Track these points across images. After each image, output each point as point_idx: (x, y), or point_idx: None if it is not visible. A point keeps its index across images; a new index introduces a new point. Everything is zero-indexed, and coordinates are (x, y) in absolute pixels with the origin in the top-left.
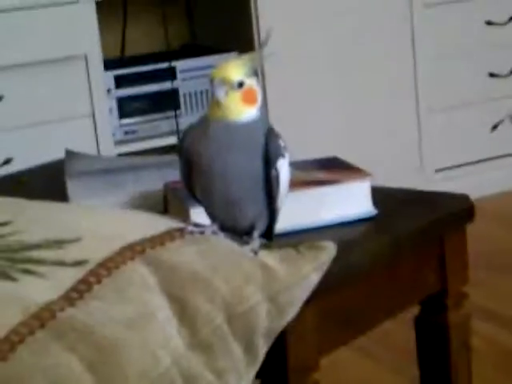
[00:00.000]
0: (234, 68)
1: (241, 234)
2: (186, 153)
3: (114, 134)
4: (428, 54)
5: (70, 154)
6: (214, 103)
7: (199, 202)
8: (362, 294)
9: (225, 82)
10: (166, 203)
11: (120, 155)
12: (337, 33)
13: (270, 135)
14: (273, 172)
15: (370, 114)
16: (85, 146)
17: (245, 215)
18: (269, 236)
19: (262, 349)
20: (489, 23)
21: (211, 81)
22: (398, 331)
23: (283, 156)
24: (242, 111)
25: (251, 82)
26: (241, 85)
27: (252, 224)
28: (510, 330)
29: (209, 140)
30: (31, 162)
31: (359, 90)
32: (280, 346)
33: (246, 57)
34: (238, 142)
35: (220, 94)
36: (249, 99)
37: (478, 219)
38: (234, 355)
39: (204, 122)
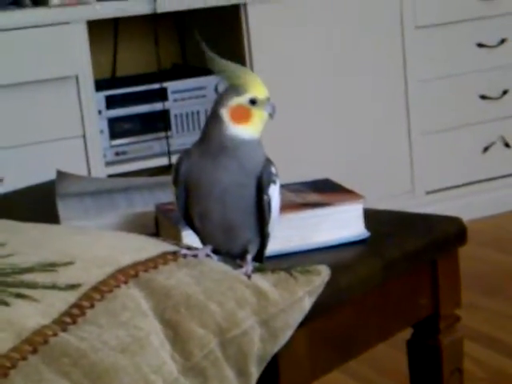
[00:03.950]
0: (263, 85)
1: (234, 256)
2: (184, 178)
3: (104, 155)
4: (419, 76)
5: (61, 174)
6: (258, 121)
7: (195, 230)
8: (354, 318)
9: (267, 100)
10: (157, 225)
11: (111, 176)
12: (328, 55)
13: (267, 161)
14: (265, 198)
15: (362, 135)
16: (75, 166)
17: (239, 240)
18: (259, 259)
19: (255, 373)
20: (480, 45)
21: (263, 100)
22: (391, 354)
23: (274, 182)
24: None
25: None
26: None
27: (244, 248)
28: (503, 353)
29: (217, 161)
30: (22, 182)
31: (351, 112)
32: (272, 369)
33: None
34: (246, 159)
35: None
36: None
37: (470, 242)
38: (227, 380)
39: (214, 143)
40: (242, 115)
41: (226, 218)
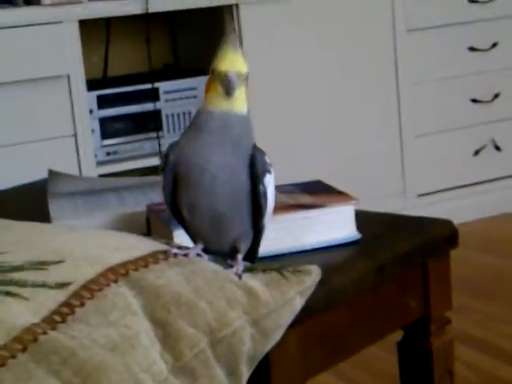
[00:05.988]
0: (242, 61)
1: (224, 256)
2: (172, 167)
3: (95, 155)
4: (411, 80)
5: (53, 174)
6: (218, 95)
7: (181, 223)
8: (345, 319)
9: (237, 74)
10: (148, 225)
11: (102, 176)
12: (320, 57)
13: (257, 150)
14: (260, 187)
15: (354, 138)
16: (66, 166)
17: (229, 233)
18: (251, 258)
19: (246, 373)
20: (472, 49)
21: (221, 73)
22: (381, 356)
23: (269, 172)
24: (245, 104)
25: None
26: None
27: (235, 244)
28: (493, 356)
29: (204, 136)
30: (13, 181)
31: (342, 114)
32: (263, 369)
33: (235, 49)
34: (234, 137)
35: (236, 87)
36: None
37: (461, 244)
38: (217, 379)
39: (197, 119)
40: (206, 88)
41: (216, 209)
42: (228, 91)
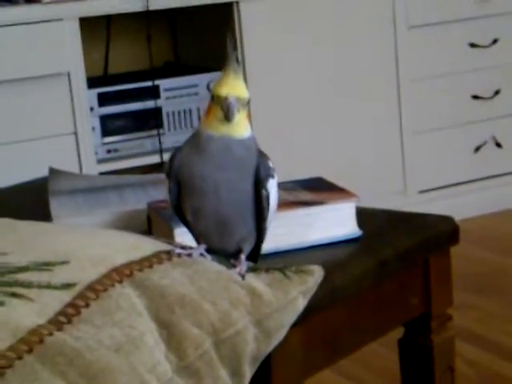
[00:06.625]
0: (243, 86)
1: (228, 255)
2: (176, 173)
3: (96, 153)
4: (412, 76)
5: (53, 171)
6: (218, 120)
7: (187, 225)
8: (346, 316)
9: (238, 99)
10: (149, 223)
11: (102, 174)
12: (320, 54)
13: (261, 156)
14: (263, 192)
15: (354, 135)
16: (67, 164)
17: (234, 236)
18: (254, 258)
19: (249, 373)
20: (472, 45)
21: (221, 98)
22: (382, 353)
23: (273, 177)
24: (246, 128)
25: None
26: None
27: (239, 245)
28: (494, 353)
29: (206, 156)
30: (13, 179)
31: (343, 111)
32: (265, 367)
33: (239, 75)
34: (236, 160)
35: (236, 112)
36: (248, 117)
37: (462, 241)
38: (221, 380)
39: (198, 140)
40: (206, 112)
41: (220, 213)
42: (228, 116)
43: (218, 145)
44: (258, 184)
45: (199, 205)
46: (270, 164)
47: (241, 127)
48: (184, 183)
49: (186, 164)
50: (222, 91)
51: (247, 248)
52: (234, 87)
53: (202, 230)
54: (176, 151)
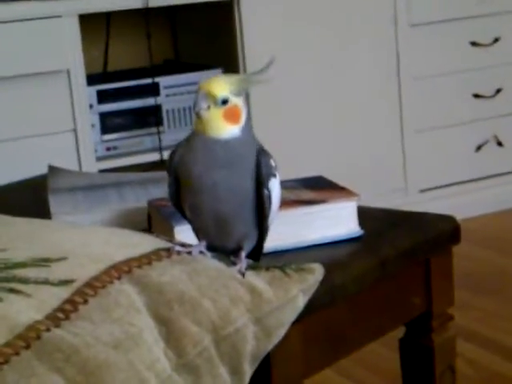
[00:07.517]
0: (222, 84)
1: (228, 253)
2: (174, 169)
3: (95, 150)
4: (413, 74)
5: (53, 169)
6: (197, 117)
7: (188, 220)
8: (347, 316)
9: (209, 96)
10: (149, 220)
11: (102, 171)
12: (322, 52)
13: (261, 155)
14: (265, 192)
15: (355, 133)
16: (66, 161)
17: (233, 234)
18: (256, 256)
19: (249, 371)
20: (474, 44)
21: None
22: (383, 353)
23: (275, 176)
24: (222, 128)
25: (237, 101)
26: (225, 102)
27: (239, 243)
28: (495, 353)
29: (194, 155)
30: (12, 176)
31: (344, 110)
32: (264, 366)
33: (238, 76)
34: (222, 159)
35: (202, 106)
36: (231, 117)
37: (463, 240)
38: (220, 377)
39: (190, 137)
40: None
41: (218, 211)
42: (197, 114)
43: (199, 144)
44: (259, 183)
45: (196, 202)
46: (272, 163)
47: (213, 126)
48: (182, 179)
49: (182, 161)
50: (200, 86)
51: (248, 246)
52: (211, 84)
53: (200, 226)
54: (177, 147)
